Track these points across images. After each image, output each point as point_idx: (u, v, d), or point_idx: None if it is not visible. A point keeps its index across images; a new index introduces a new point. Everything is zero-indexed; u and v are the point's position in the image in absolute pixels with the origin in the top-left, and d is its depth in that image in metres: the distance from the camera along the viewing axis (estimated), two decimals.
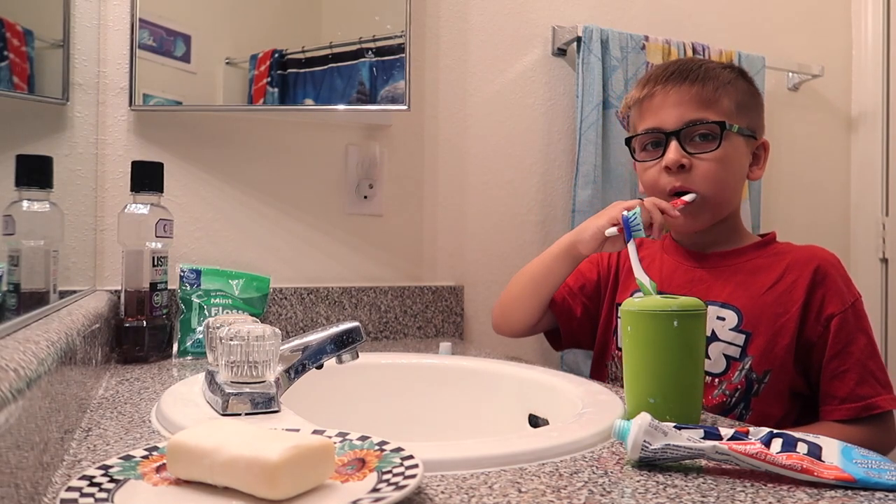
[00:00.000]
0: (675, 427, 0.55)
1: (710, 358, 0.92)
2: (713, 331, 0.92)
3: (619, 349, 0.95)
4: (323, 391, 0.87)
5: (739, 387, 0.90)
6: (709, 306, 0.92)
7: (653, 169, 0.96)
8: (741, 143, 0.95)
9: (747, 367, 0.90)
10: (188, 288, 1.08)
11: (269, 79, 1.20)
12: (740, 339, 0.91)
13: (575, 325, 1.10)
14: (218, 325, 0.67)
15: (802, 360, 0.91)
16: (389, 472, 0.46)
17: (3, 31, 0.70)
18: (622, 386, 0.72)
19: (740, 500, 0.47)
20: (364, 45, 1.23)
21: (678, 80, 0.95)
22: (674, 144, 0.93)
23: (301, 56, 1.21)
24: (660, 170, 0.94)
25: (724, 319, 0.92)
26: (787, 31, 1.76)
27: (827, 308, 0.90)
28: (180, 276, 1.09)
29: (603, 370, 1.07)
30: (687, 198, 0.92)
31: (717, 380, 0.91)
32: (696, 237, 1.01)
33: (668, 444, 0.53)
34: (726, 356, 0.91)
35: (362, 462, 0.49)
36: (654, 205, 0.91)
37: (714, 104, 0.93)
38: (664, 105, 0.95)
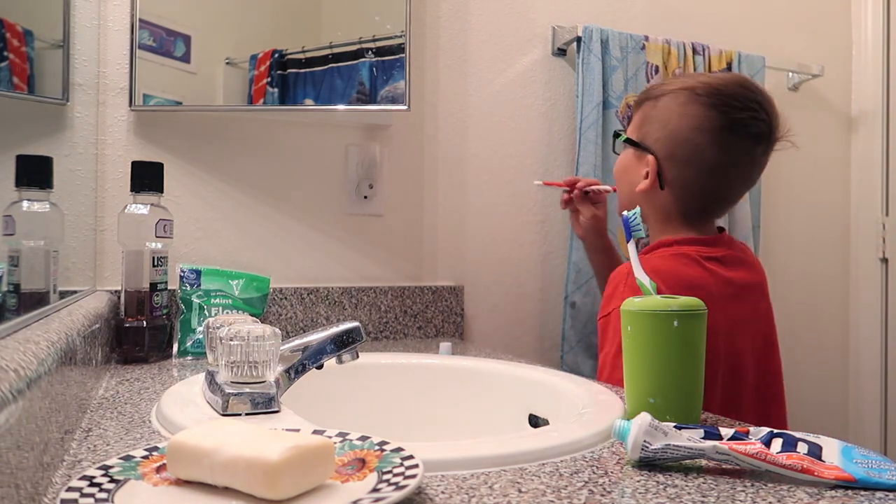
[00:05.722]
0: (675, 427, 0.55)
1: None
2: None
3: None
4: (323, 391, 0.87)
5: None
6: None
7: None
8: (628, 153, 1.06)
9: None
10: (188, 288, 1.08)
11: (269, 79, 1.20)
12: None
13: None
14: (218, 325, 0.68)
15: None
16: (389, 472, 0.46)
17: (3, 32, 0.70)
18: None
19: (740, 500, 0.47)
20: (364, 45, 1.23)
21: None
22: None
23: (301, 56, 1.21)
24: None
25: None
26: (787, 31, 1.76)
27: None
28: (180, 276, 1.09)
29: None
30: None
31: None
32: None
33: (669, 444, 0.53)
34: None
35: (362, 462, 0.49)
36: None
37: (635, 116, 1.06)
38: None
